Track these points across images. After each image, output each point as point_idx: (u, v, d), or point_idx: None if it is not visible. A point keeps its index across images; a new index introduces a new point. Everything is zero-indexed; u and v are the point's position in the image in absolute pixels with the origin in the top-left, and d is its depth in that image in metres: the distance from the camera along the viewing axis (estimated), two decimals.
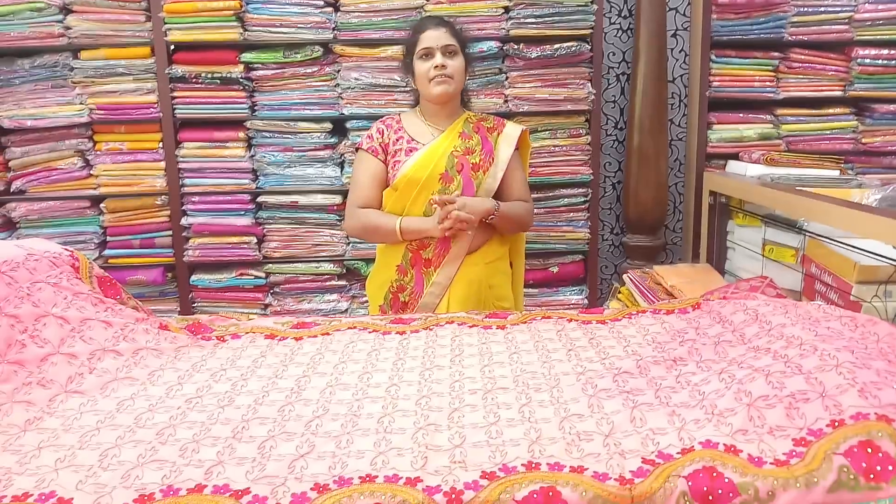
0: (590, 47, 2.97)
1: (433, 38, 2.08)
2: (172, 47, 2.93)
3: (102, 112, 2.92)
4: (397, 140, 2.17)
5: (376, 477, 1.04)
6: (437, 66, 2.06)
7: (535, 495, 0.99)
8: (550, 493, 0.99)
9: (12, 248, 1.65)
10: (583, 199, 3.11)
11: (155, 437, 1.19)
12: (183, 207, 3.01)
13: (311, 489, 1.01)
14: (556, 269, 3.17)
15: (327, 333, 1.73)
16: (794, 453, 1.04)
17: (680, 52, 3.25)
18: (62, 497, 1.01)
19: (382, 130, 2.20)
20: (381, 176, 2.18)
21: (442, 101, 2.13)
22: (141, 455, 1.13)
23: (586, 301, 3.19)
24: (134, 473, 1.07)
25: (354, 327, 1.78)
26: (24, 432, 1.23)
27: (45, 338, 1.45)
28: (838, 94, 3.10)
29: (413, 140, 2.16)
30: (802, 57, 3.06)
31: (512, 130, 2.22)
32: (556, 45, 2.92)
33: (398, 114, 2.26)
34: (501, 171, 2.16)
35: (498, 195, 2.18)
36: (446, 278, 2.13)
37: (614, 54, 3.24)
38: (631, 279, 2.65)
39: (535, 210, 3.09)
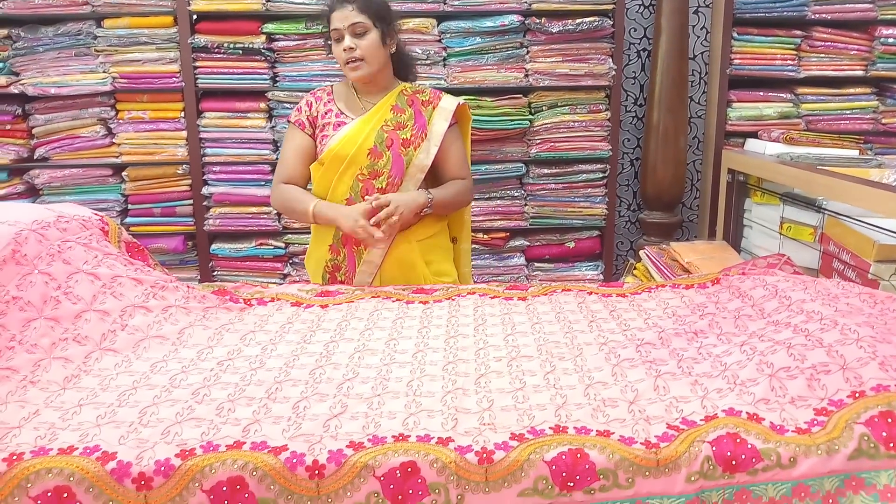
0: (612, 23, 2.97)
1: (340, 18, 1.96)
2: (195, 17, 2.94)
3: (125, 81, 2.95)
4: (326, 113, 2.08)
5: (409, 436, 1.07)
6: (346, 49, 1.96)
7: (563, 456, 1.02)
8: (578, 455, 1.02)
9: (42, 210, 1.68)
10: (601, 175, 3.13)
11: (191, 397, 1.22)
12: (204, 177, 3.05)
13: (347, 447, 1.04)
14: (572, 245, 3.20)
15: (351, 301, 1.77)
16: (815, 422, 1.07)
17: (701, 29, 3.24)
18: (106, 451, 1.05)
19: (311, 103, 2.11)
20: (308, 150, 2.09)
21: (361, 82, 2.06)
22: (179, 413, 1.16)
23: (602, 277, 3.21)
24: (173, 430, 1.11)
25: (378, 296, 1.81)
26: (63, 390, 1.27)
27: (79, 294, 1.48)
28: (860, 73, 3.09)
29: (342, 113, 2.07)
30: (825, 36, 3.05)
31: (447, 104, 2.10)
32: (578, 20, 2.91)
33: (331, 85, 2.17)
34: (435, 147, 2.06)
35: (433, 172, 2.11)
36: (377, 257, 2.06)
37: (636, 30, 3.23)
38: (648, 255, 2.67)
39: (553, 186, 3.11)
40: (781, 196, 2.56)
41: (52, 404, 1.21)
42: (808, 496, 1.01)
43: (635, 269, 2.79)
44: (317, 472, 1.01)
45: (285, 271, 3.14)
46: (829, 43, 3.06)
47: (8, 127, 2.98)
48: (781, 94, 3.12)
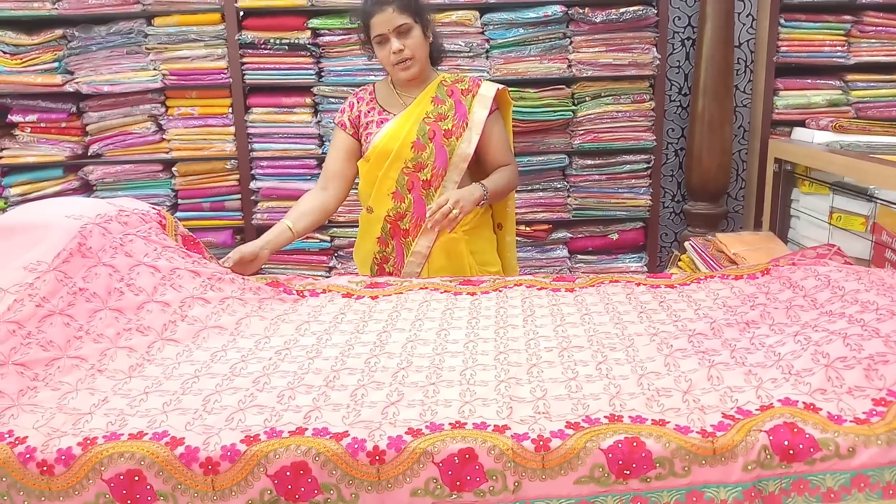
0: (655, 11, 2.94)
1: (383, 22, 1.98)
2: (242, 13, 2.99)
3: (175, 78, 3.02)
4: (369, 111, 2.14)
5: (465, 424, 1.09)
6: (395, 52, 2.00)
7: (619, 445, 1.03)
8: (635, 444, 1.03)
9: (105, 205, 1.74)
10: (645, 166, 3.11)
11: (252, 385, 1.26)
12: (252, 172, 3.10)
13: (406, 433, 1.07)
14: (615, 237, 3.18)
15: (400, 293, 1.79)
16: (874, 412, 1.06)
17: (747, 16, 3.19)
18: (174, 436, 1.09)
19: (353, 104, 2.17)
20: (351, 150, 2.16)
21: (410, 79, 2.10)
22: (241, 401, 1.20)
23: (645, 268, 3.19)
24: (237, 417, 1.15)
25: (426, 287, 1.83)
26: (129, 378, 1.31)
27: (140, 286, 1.53)
28: None
29: (385, 111, 2.13)
30: (876, 20, 2.98)
31: (487, 91, 2.12)
32: (622, 10, 2.90)
33: (372, 83, 2.22)
34: (477, 135, 2.08)
35: (477, 159, 2.13)
36: (425, 247, 2.09)
37: (680, 18, 3.20)
38: (693, 246, 2.65)
39: (597, 177, 3.11)
40: (831, 185, 2.52)
41: (120, 392, 1.26)
42: (867, 486, 1.01)
43: (680, 260, 2.77)
44: (377, 457, 1.04)
45: (331, 264, 3.19)
46: (881, 27, 2.99)
47: (63, 125, 3.07)
48: (830, 82, 3.07)
